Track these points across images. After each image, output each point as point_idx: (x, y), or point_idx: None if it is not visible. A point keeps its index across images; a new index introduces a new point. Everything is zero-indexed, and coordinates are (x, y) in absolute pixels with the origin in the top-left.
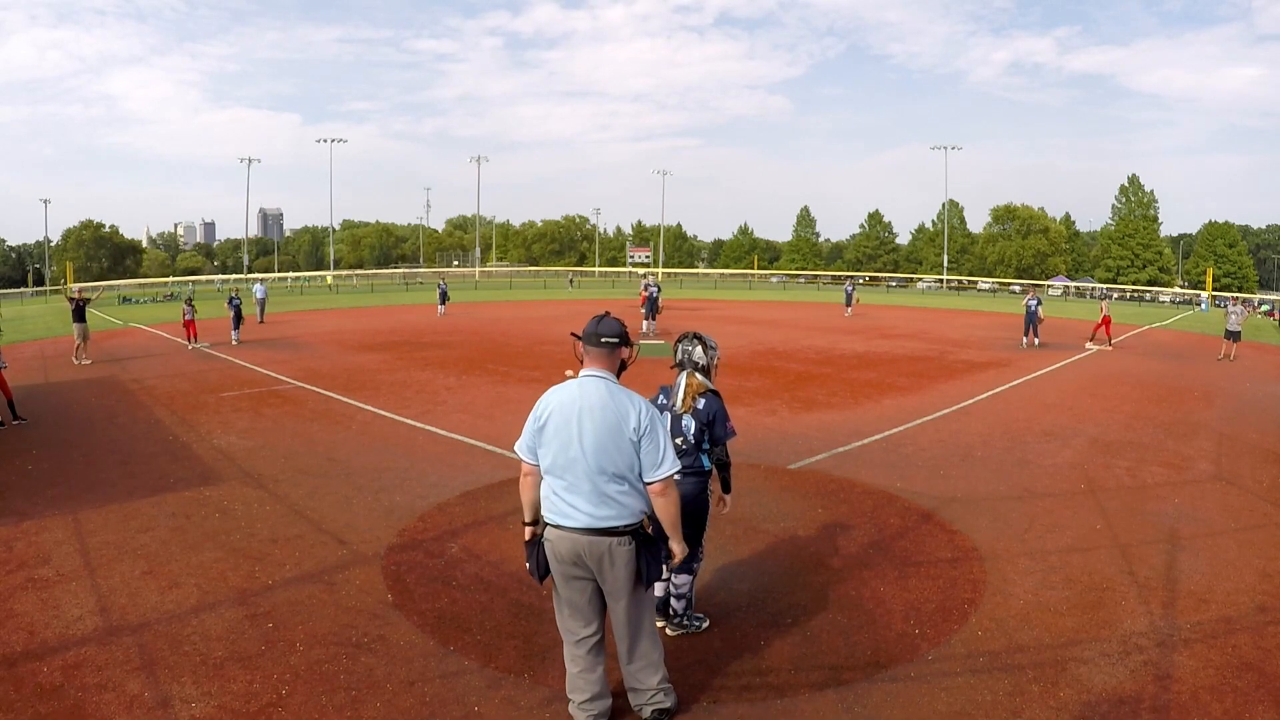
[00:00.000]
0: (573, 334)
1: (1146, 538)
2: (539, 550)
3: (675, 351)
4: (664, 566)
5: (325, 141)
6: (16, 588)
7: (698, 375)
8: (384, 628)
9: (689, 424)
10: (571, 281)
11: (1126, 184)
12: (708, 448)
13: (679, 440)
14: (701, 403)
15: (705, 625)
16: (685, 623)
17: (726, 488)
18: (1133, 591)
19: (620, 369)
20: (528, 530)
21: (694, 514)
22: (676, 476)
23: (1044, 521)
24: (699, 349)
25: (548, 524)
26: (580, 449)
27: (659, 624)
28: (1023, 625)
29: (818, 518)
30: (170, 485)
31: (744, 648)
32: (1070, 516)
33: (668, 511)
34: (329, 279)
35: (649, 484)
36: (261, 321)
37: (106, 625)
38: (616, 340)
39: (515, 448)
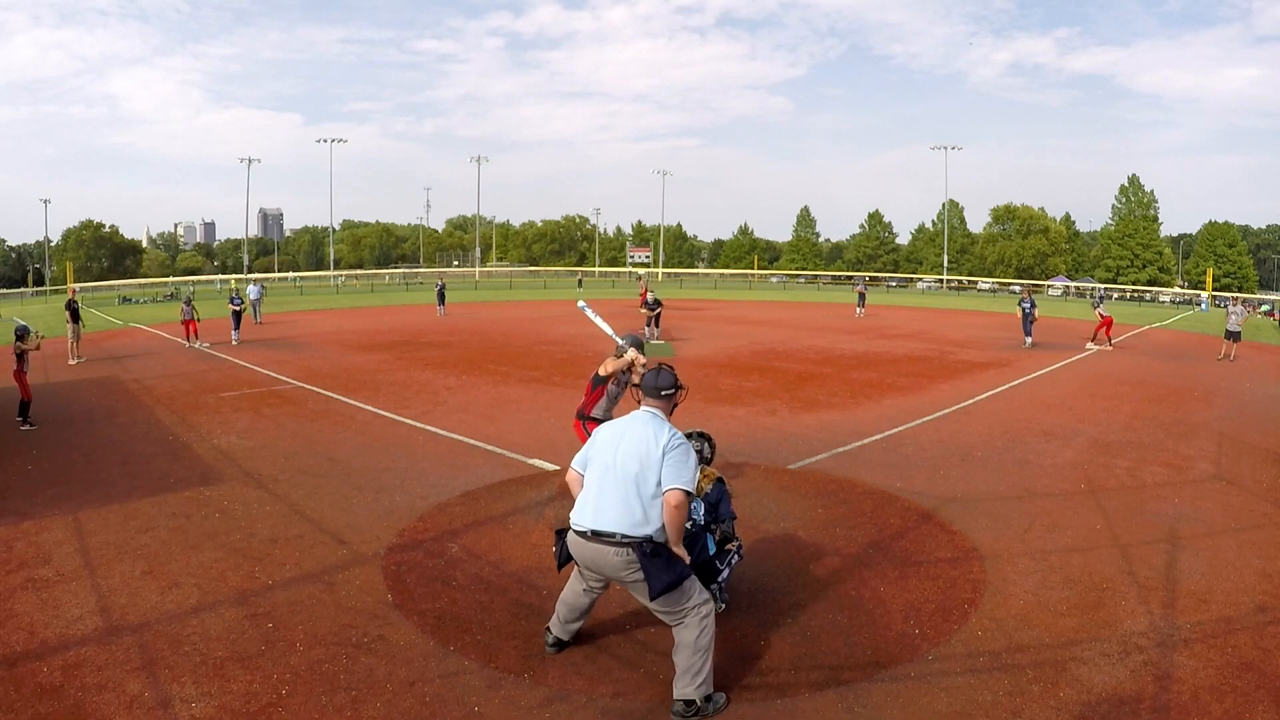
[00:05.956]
0: (634, 385)
1: (1146, 538)
2: (563, 541)
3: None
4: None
5: (326, 141)
6: (16, 588)
7: (709, 466)
8: (384, 628)
9: (697, 505)
10: (580, 283)
11: (1126, 184)
12: (714, 528)
13: (688, 524)
14: (710, 486)
15: (722, 608)
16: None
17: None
18: (1133, 591)
19: (672, 408)
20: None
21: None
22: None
23: (1044, 521)
24: (706, 446)
25: (570, 526)
26: (614, 457)
27: None
28: (1023, 625)
29: (818, 518)
30: (170, 485)
31: (744, 648)
32: (1070, 516)
33: (672, 521)
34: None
35: (665, 491)
36: (258, 322)
37: (106, 625)
38: (672, 391)
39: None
